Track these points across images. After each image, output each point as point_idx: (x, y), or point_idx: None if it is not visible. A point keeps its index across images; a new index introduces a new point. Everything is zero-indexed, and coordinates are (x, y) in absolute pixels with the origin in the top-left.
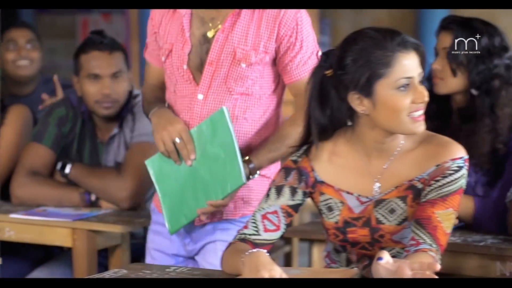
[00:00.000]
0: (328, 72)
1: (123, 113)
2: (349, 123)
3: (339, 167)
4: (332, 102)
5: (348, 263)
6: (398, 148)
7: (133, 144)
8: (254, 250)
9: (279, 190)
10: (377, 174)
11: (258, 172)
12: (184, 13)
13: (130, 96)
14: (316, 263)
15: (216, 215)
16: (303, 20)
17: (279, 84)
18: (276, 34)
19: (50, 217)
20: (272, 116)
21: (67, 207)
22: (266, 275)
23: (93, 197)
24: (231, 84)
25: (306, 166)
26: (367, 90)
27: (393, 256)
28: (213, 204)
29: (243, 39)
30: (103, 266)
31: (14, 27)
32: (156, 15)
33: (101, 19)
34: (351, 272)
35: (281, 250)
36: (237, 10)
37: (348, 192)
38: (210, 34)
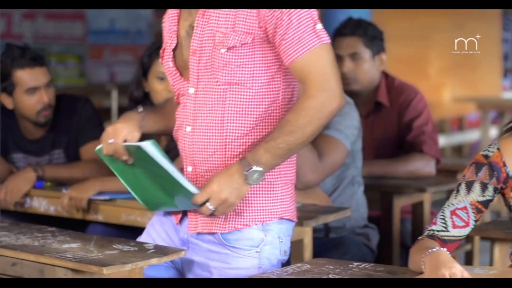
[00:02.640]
0: None
1: None
2: None
3: None
4: None
5: None
6: None
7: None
8: (435, 249)
9: (469, 185)
10: None
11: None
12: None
13: None
14: (498, 262)
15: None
16: None
17: (280, 70)
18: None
19: None
20: (277, 111)
21: None
22: (446, 274)
23: None
24: (216, 74)
25: (498, 161)
26: None
27: None
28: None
29: (223, 21)
30: None
31: None
32: (164, 17)
33: None
34: None
35: (461, 248)
36: None
37: None
38: (194, 23)
